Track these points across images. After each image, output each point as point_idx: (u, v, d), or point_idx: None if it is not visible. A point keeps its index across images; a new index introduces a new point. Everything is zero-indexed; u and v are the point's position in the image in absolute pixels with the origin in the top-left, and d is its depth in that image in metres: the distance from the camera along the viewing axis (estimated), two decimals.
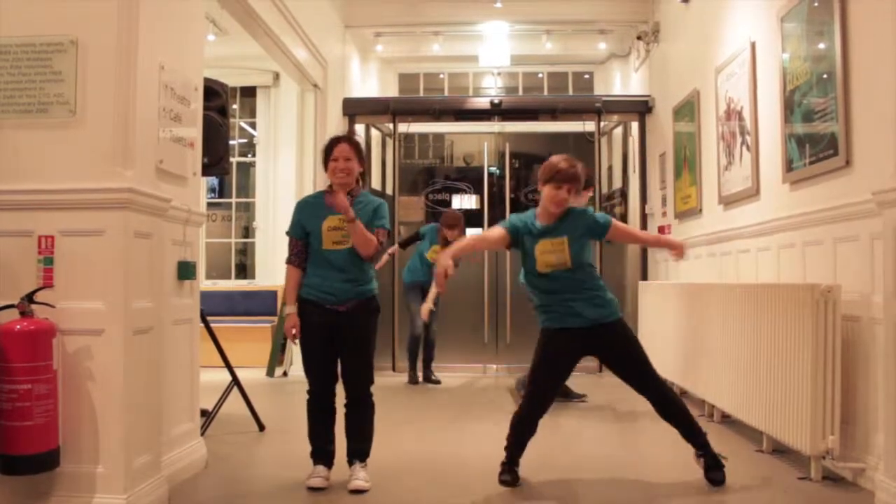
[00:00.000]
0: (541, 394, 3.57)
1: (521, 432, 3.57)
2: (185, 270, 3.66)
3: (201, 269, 4.06)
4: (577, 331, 3.50)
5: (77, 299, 3.00)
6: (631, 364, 3.54)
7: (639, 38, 7.90)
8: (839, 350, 3.44)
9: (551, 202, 3.50)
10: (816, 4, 3.92)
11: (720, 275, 5.35)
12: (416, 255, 6.97)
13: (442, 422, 5.08)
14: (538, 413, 3.55)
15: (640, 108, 7.85)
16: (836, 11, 3.69)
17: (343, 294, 3.46)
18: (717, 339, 4.60)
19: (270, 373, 7.27)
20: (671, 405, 3.52)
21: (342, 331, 3.48)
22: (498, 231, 3.65)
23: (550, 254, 3.50)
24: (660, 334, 5.99)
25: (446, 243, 6.08)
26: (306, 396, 3.55)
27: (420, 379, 6.88)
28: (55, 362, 2.88)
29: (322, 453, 3.55)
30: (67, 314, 2.97)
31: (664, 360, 5.37)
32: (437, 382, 6.79)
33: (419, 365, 6.91)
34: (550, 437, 4.51)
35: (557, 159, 3.57)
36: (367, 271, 3.55)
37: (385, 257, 6.33)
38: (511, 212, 7.99)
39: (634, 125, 8.09)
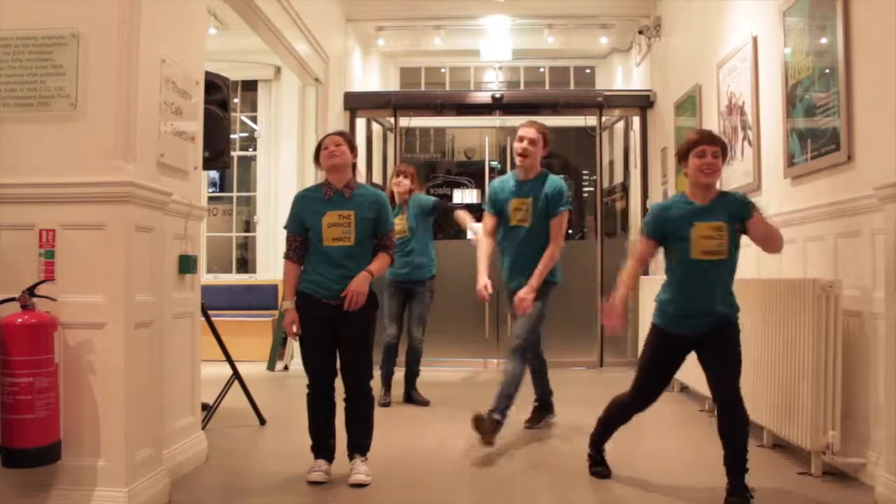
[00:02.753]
0: (651, 392, 3.38)
1: (616, 421, 3.51)
2: (187, 264, 3.66)
3: (202, 263, 4.06)
4: (695, 335, 3.24)
5: (78, 293, 3.00)
6: (729, 368, 3.18)
7: (640, 32, 7.88)
8: (840, 345, 3.44)
9: (700, 171, 3.17)
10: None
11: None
12: None
13: (443, 416, 5.09)
14: (641, 408, 3.42)
15: (642, 103, 7.84)
16: (838, 6, 3.68)
17: (341, 289, 3.46)
18: None
19: (271, 367, 7.28)
20: (739, 427, 3.10)
21: (340, 325, 3.49)
22: (641, 245, 3.42)
23: (710, 239, 3.16)
24: None
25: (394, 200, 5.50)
26: (306, 391, 3.55)
27: (395, 399, 5.56)
28: (56, 356, 2.88)
29: (322, 447, 3.55)
30: (68, 308, 2.97)
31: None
32: (425, 403, 5.52)
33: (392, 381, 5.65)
34: (548, 432, 4.53)
35: (690, 133, 3.38)
36: (368, 262, 3.55)
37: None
38: None
39: (636, 120, 8.08)
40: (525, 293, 4.15)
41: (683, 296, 3.25)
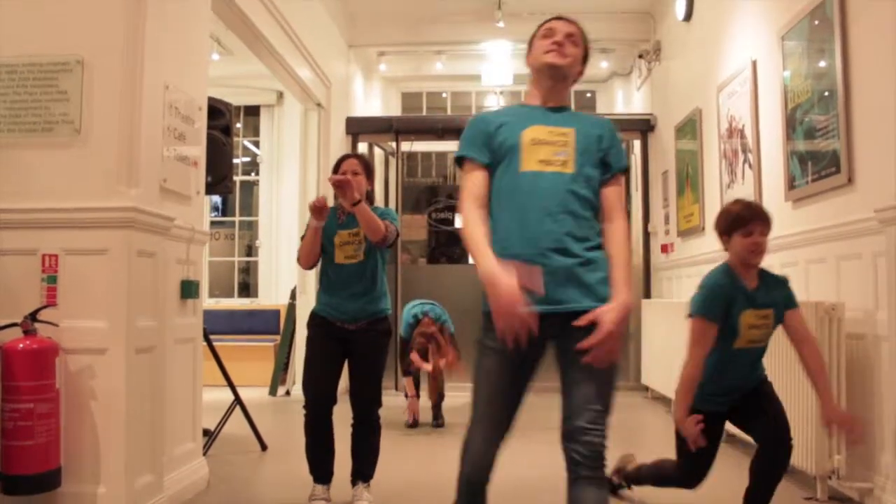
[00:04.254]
0: (698, 473, 3.08)
1: (658, 483, 3.35)
2: (189, 289, 3.66)
3: (204, 288, 4.06)
4: (730, 406, 3.02)
5: (80, 318, 3.00)
6: (776, 408, 3.01)
7: (640, 56, 7.93)
8: (844, 368, 3.43)
9: (749, 251, 2.89)
10: (817, 23, 3.93)
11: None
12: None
13: (448, 441, 5.06)
14: (692, 486, 3.13)
15: (643, 127, 7.87)
16: (836, 30, 3.70)
17: (355, 313, 3.46)
18: None
19: (273, 392, 7.25)
20: (778, 468, 2.94)
21: (353, 349, 3.48)
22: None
23: (757, 329, 2.91)
24: (663, 353, 5.97)
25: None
26: (303, 414, 3.50)
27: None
28: (58, 381, 2.87)
29: (321, 472, 3.52)
30: (70, 333, 2.97)
31: (668, 379, 5.35)
32: (440, 425, 5.72)
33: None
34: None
35: (729, 206, 3.07)
36: (379, 284, 3.55)
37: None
38: None
39: (637, 143, 8.10)
40: (617, 316, 2.07)
41: (718, 382, 2.96)
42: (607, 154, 2.31)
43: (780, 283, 2.97)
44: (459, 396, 7.03)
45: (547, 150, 2.23)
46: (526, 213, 2.17)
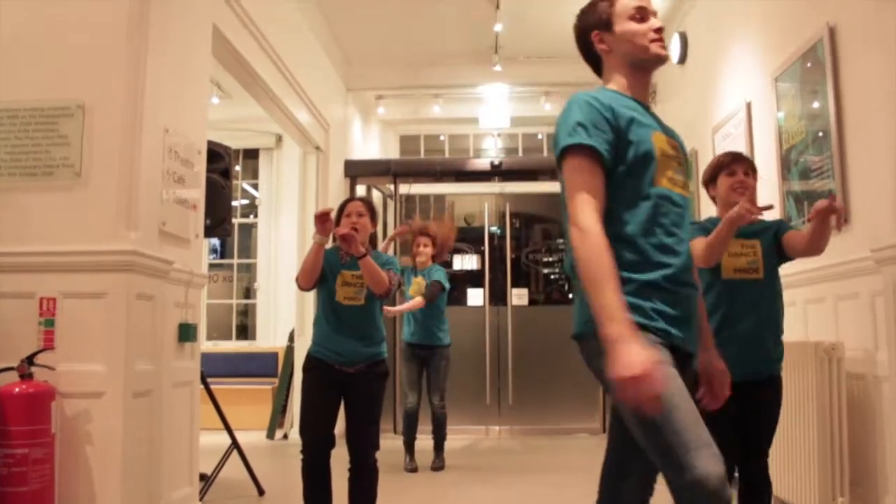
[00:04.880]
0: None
1: None
2: (187, 332, 3.65)
3: (202, 330, 4.05)
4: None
5: (77, 362, 2.99)
6: (767, 429, 2.91)
7: None
8: (845, 408, 3.41)
9: (732, 189, 2.96)
10: (809, 65, 3.99)
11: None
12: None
13: (445, 486, 5.00)
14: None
15: None
16: (828, 72, 3.75)
17: (353, 356, 3.44)
18: None
19: (271, 435, 7.19)
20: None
21: (350, 393, 3.45)
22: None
23: (742, 257, 2.94)
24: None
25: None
26: (300, 458, 3.47)
27: (427, 465, 5.56)
28: (53, 426, 2.85)
29: None
30: (67, 377, 2.96)
31: None
32: (440, 468, 5.55)
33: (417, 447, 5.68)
34: None
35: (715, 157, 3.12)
36: (378, 329, 3.54)
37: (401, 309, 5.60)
38: (513, 271, 8.02)
39: None
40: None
41: (727, 324, 2.82)
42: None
43: (768, 223, 2.99)
44: (460, 439, 6.98)
45: (673, 167, 1.90)
46: (668, 240, 1.83)
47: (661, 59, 1.96)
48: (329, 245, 3.46)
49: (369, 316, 3.49)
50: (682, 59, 6.51)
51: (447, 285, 5.67)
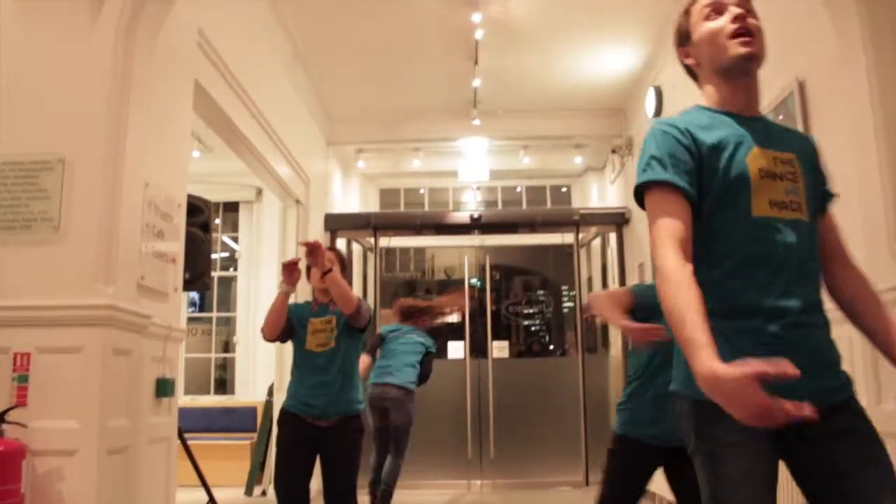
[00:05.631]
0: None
1: None
2: (164, 388, 3.60)
3: (180, 385, 4.00)
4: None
5: (50, 418, 2.93)
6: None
7: (613, 151, 8.12)
8: None
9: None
10: (781, 117, 4.07)
11: None
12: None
13: None
14: None
15: (618, 220, 7.99)
16: (799, 122, 3.83)
17: (327, 407, 3.41)
18: None
19: (249, 491, 7.05)
20: None
21: (325, 448, 3.41)
22: None
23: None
24: None
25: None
26: None
27: None
28: (23, 485, 2.78)
29: None
30: (40, 434, 2.90)
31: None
32: None
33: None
34: None
35: None
36: (351, 376, 3.51)
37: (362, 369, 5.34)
38: (493, 324, 8.01)
39: (612, 236, 8.21)
40: None
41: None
42: (822, 179, 1.75)
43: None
44: (441, 493, 6.88)
45: (781, 187, 1.60)
46: (769, 278, 1.56)
47: (746, 59, 1.65)
48: (300, 298, 3.47)
49: (342, 360, 3.48)
50: (658, 112, 6.63)
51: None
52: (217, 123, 5.14)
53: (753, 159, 1.60)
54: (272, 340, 3.54)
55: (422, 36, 6.36)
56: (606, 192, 8.90)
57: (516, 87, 7.40)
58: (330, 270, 3.32)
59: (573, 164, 9.04)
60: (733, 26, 1.64)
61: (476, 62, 6.65)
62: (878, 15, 3.01)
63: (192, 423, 6.77)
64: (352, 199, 9.23)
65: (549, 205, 9.63)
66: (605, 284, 8.61)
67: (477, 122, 7.80)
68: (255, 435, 7.59)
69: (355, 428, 3.48)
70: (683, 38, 1.78)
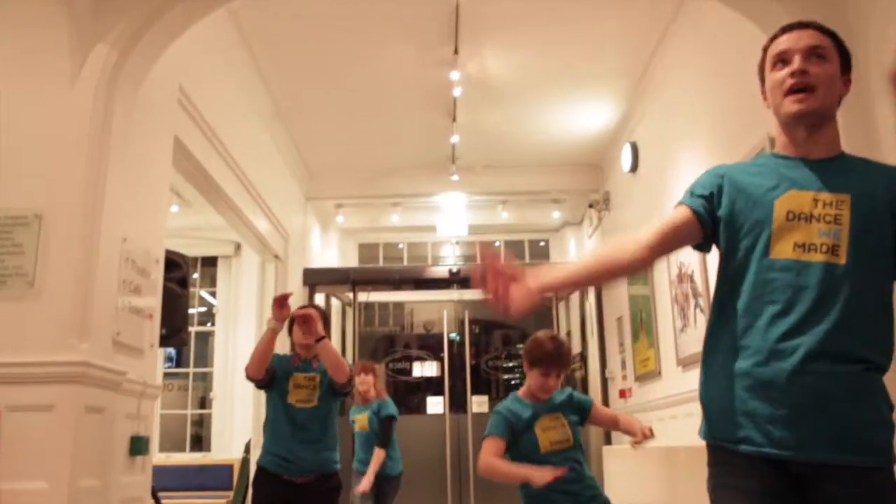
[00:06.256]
0: None
1: None
2: (138, 446, 3.54)
3: (154, 442, 3.94)
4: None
5: (18, 479, 2.85)
6: None
7: (591, 206, 8.21)
8: None
9: (540, 388, 2.96)
10: None
11: (685, 436, 5.31)
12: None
13: None
14: None
15: None
16: None
17: (304, 463, 3.36)
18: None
19: None
20: None
21: None
22: None
23: (553, 430, 2.96)
24: (628, 499, 5.84)
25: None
26: None
27: None
28: None
29: None
30: (8, 496, 2.82)
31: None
32: None
33: None
34: None
35: (543, 340, 3.00)
36: (331, 435, 3.48)
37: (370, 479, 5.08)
38: (472, 378, 7.97)
39: (591, 290, 8.24)
40: None
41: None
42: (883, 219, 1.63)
43: (565, 394, 3.05)
44: None
45: (811, 230, 1.59)
46: (773, 319, 1.57)
47: (797, 117, 1.68)
48: (284, 350, 3.44)
49: (322, 419, 3.45)
50: (634, 167, 6.73)
51: (397, 415, 5.43)
52: (196, 178, 5.15)
53: (783, 202, 1.63)
54: (255, 380, 3.48)
55: (401, 93, 6.45)
56: (584, 246, 8.96)
57: (494, 144, 7.49)
58: (324, 338, 3.32)
59: (551, 219, 9.12)
60: (791, 82, 1.68)
61: (454, 119, 6.74)
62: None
63: (167, 481, 6.63)
64: (330, 253, 9.23)
65: (527, 259, 9.66)
66: (583, 338, 8.62)
67: (455, 177, 7.87)
68: (230, 493, 7.45)
69: (332, 486, 3.43)
70: (762, 78, 1.81)
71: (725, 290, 1.68)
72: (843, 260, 1.57)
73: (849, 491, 1.50)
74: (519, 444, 2.95)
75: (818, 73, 1.67)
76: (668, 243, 1.76)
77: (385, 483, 5.37)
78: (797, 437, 1.48)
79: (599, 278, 1.77)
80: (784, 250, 1.59)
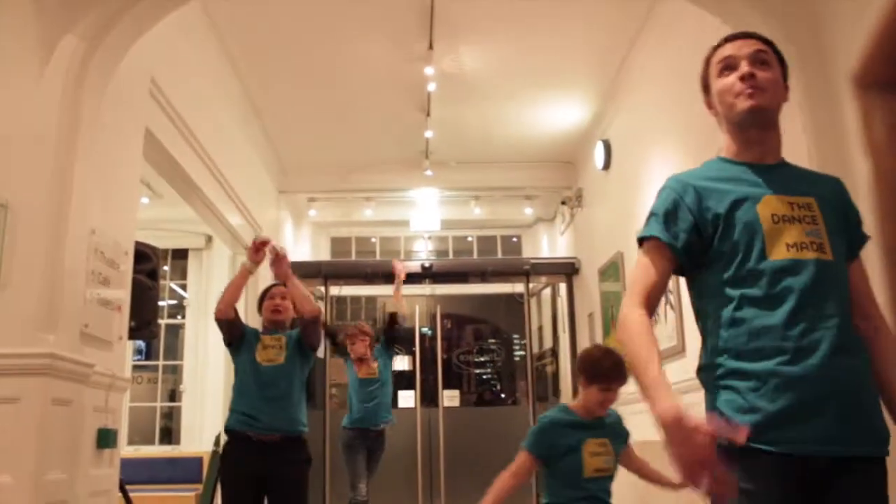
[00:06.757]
0: None
1: None
2: (106, 438, 3.51)
3: (123, 435, 3.92)
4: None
5: None
6: None
7: (563, 203, 8.26)
8: None
9: (598, 404, 2.95)
10: None
11: (655, 431, 5.36)
12: (351, 388, 5.86)
13: None
14: None
15: (567, 270, 8.09)
16: None
17: (270, 420, 3.40)
18: (668, 501, 4.55)
19: None
20: None
21: (271, 483, 3.37)
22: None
23: (599, 457, 2.93)
24: None
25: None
26: None
27: None
28: None
29: None
30: None
31: None
32: None
33: None
34: None
35: (597, 355, 2.98)
36: (297, 394, 3.56)
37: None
38: (444, 373, 7.99)
39: (562, 286, 8.30)
40: None
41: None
42: (851, 220, 1.77)
43: (615, 416, 3.05)
44: None
45: (799, 228, 1.65)
46: (786, 319, 1.58)
47: (750, 112, 1.71)
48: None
49: (288, 377, 3.51)
50: (606, 165, 6.78)
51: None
52: (168, 171, 5.11)
53: (764, 206, 1.67)
54: (224, 318, 3.57)
55: (375, 87, 6.44)
56: (556, 242, 9.01)
57: (468, 139, 7.51)
58: (289, 277, 3.56)
59: (524, 215, 9.16)
60: (741, 85, 1.72)
61: (428, 114, 6.75)
62: (810, 71, 3.14)
63: (135, 474, 6.57)
64: (303, 247, 9.20)
65: (499, 254, 9.71)
66: (555, 333, 8.67)
67: (429, 172, 7.88)
68: (200, 486, 7.41)
69: (303, 458, 3.48)
70: (706, 88, 1.85)
71: (721, 296, 1.67)
72: (830, 256, 1.64)
73: (862, 483, 1.56)
74: (561, 464, 2.89)
75: (765, 77, 1.72)
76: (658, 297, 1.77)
77: (376, 439, 5.40)
78: (828, 431, 1.51)
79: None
80: (779, 251, 1.62)
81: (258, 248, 3.52)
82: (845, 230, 1.72)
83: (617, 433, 3.02)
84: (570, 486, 2.83)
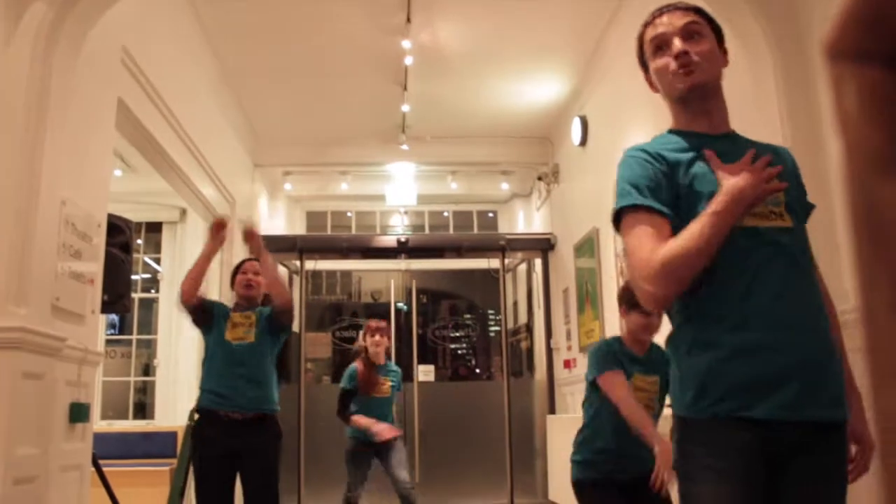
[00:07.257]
0: None
1: None
2: (78, 413, 3.49)
3: (96, 410, 3.89)
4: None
5: None
6: None
7: (539, 178, 8.27)
8: None
9: (641, 329, 2.94)
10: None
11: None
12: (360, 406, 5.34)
13: None
14: None
15: (543, 246, 8.12)
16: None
17: (240, 398, 3.41)
18: None
19: None
20: None
21: (243, 462, 3.37)
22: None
23: (644, 392, 2.91)
24: (569, 468, 5.95)
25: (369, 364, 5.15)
26: None
27: None
28: None
29: None
30: None
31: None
32: None
33: None
34: None
35: None
36: (267, 373, 3.56)
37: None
38: (419, 348, 8.01)
39: (538, 262, 8.33)
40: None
41: (613, 441, 2.91)
42: (802, 188, 1.80)
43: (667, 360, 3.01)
44: None
45: None
46: (754, 286, 1.57)
47: (690, 90, 1.71)
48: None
49: (258, 355, 3.51)
50: (583, 141, 6.79)
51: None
52: (141, 142, 5.04)
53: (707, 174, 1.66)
54: (189, 301, 3.56)
55: (351, 60, 6.38)
56: (532, 218, 9.03)
57: (445, 114, 7.48)
58: (261, 252, 3.57)
59: (500, 191, 9.16)
60: (675, 65, 1.71)
61: (405, 88, 6.70)
62: (787, 50, 3.15)
63: (109, 449, 6.54)
64: (278, 221, 9.15)
65: (475, 230, 9.72)
66: (530, 309, 8.71)
67: (405, 146, 7.84)
68: (174, 461, 7.39)
69: (273, 433, 3.49)
70: (644, 65, 1.84)
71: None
72: (789, 223, 1.64)
73: (832, 448, 1.57)
74: (601, 391, 2.86)
75: (699, 52, 1.70)
76: None
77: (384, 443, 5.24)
78: (800, 397, 1.50)
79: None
80: (742, 219, 1.58)
81: (219, 228, 3.48)
82: (797, 198, 1.73)
83: (666, 373, 2.98)
84: (611, 418, 2.82)
